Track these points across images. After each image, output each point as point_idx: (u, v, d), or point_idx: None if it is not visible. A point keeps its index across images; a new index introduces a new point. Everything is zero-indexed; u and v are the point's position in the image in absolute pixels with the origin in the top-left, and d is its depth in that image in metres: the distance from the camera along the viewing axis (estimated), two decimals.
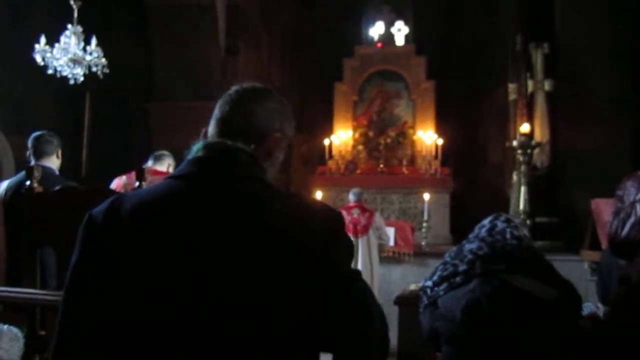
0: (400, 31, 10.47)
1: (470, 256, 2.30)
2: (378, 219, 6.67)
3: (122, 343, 1.17)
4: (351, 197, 6.76)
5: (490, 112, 9.48)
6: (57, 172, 3.86)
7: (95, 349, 1.18)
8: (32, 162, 3.71)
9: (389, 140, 9.86)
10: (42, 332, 2.43)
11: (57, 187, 2.77)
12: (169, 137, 7.20)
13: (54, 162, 3.86)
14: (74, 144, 7.89)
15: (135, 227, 1.20)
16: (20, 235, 2.70)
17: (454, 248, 2.46)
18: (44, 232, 2.59)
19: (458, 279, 2.29)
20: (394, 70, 10.00)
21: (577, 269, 5.56)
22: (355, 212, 6.52)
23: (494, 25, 9.35)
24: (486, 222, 2.43)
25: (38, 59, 6.50)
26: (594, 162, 6.85)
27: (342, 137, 9.81)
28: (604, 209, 4.49)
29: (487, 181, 9.50)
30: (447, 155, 9.49)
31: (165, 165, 4.75)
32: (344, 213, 6.08)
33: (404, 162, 9.60)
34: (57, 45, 6.59)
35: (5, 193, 3.68)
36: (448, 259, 2.39)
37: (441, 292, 2.32)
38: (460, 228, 6.64)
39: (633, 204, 2.41)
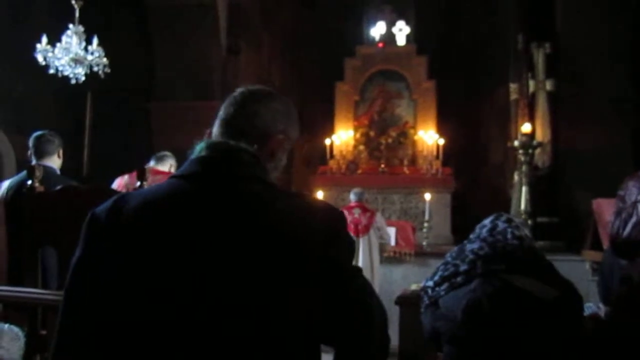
0: (402, 31, 10.48)
1: (471, 256, 2.31)
2: (379, 219, 6.67)
3: (122, 343, 1.16)
4: (352, 197, 6.76)
5: (491, 112, 9.48)
6: (58, 172, 3.86)
7: (95, 349, 1.18)
8: (34, 162, 3.71)
9: (390, 140, 9.86)
10: (43, 332, 2.43)
11: (59, 187, 2.77)
12: (169, 137, 7.21)
13: (55, 162, 3.85)
14: (74, 144, 7.89)
15: (138, 226, 1.20)
16: (21, 234, 2.70)
17: (455, 248, 2.46)
18: (45, 231, 2.59)
19: (459, 279, 2.29)
20: (395, 70, 10.00)
21: (577, 269, 5.56)
22: (357, 212, 6.52)
23: (494, 25, 9.35)
24: (487, 222, 2.43)
25: (39, 58, 6.51)
26: (594, 162, 6.85)
27: (343, 137, 9.81)
28: (605, 209, 4.49)
29: (489, 181, 9.51)
30: (448, 155, 9.48)
31: (167, 166, 4.75)
32: (345, 213, 6.07)
33: (405, 162, 9.61)
34: (58, 45, 6.61)
35: (7, 193, 3.68)
36: (449, 259, 2.39)
37: (442, 292, 2.32)
38: (461, 228, 6.64)
39: (635, 204, 2.41)
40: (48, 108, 7.80)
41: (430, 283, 2.39)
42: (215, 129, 1.38)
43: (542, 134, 7.31)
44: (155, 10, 8.19)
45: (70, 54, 6.60)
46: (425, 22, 10.53)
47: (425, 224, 7.65)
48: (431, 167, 9.24)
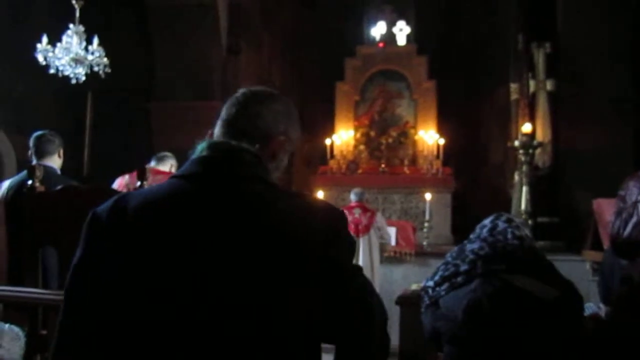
0: (402, 31, 10.48)
1: (471, 256, 2.31)
2: (379, 218, 6.67)
3: (123, 343, 1.16)
4: (352, 197, 6.76)
5: (491, 112, 9.48)
6: (58, 172, 3.86)
7: (96, 349, 1.18)
8: (34, 162, 3.71)
9: (390, 140, 9.87)
10: (44, 332, 2.43)
11: (59, 187, 2.77)
12: (169, 137, 7.21)
13: (55, 162, 3.85)
14: (75, 144, 7.90)
15: (139, 226, 1.20)
16: (22, 234, 2.69)
17: (456, 248, 2.46)
18: (45, 231, 2.59)
19: (459, 279, 2.29)
20: (396, 70, 10.00)
21: (578, 269, 5.56)
22: (357, 212, 6.52)
23: (494, 25, 9.35)
24: (487, 222, 2.43)
25: (40, 58, 6.51)
26: (594, 162, 6.84)
27: (343, 137, 9.82)
28: (605, 209, 4.48)
29: (489, 181, 9.51)
30: (448, 155, 9.48)
31: (168, 166, 4.76)
32: (345, 213, 6.07)
33: (406, 162, 9.61)
34: (59, 44, 6.61)
35: (7, 192, 3.68)
36: (449, 259, 2.39)
37: (443, 292, 2.32)
38: (461, 228, 6.64)
39: (635, 204, 2.41)
40: (48, 108, 7.80)
41: (431, 283, 2.39)
42: (217, 130, 1.38)
43: (542, 134, 7.31)
44: (155, 10, 8.18)
45: (70, 54, 6.60)
46: (425, 22, 10.53)
47: (426, 224, 7.65)
48: (431, 167, 9.24)
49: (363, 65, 10.15)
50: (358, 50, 10.25)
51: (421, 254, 7.00)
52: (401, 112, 10.02)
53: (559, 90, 7.41)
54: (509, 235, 2.32)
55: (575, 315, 2.28)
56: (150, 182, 2.76)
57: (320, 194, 7.78)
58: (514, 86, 7.66)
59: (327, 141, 9.65)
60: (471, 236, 2.43)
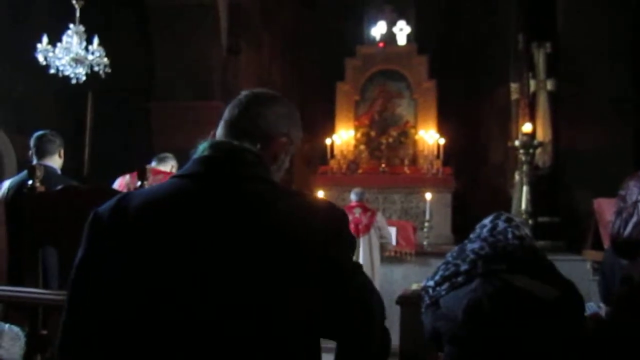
0: (402, 31, 10.48)
1: (472, 256, 2.30)
2: (380, 218, 6.67)
3: (125, 342, 1.17)
4: (353, 196, 6.75)
5: (492, 112, 9.48)
6: (59, 172, 3.86)
7: (99, 348, 1.18)
8: (35, 162, 3.71)
9: (390, 140, 9.87)
10: (44, 332, 2.42)
11: (59, 187, 2.77)
12: (169, 137, 7.21)
13: (56, 162, 3.86)
14: (75, 144, 7.89)
15: (141, 225, 1.21)
16: (22, 234, 2.69)
17: (456, 248, 2.46)
18: (46, 231, 2.58)
19: (460, 278, 2.29)
20: (396, 69, 10.00)
21: (578, 269, 5.56)
22: (357, 212, 6.52)
23: (494, 25, 9.35)
24: (487, 221, 2.43)
25: (40, 58, 6.51)
26: (594, 162, 6.84)
27: (343, 136, 9.82)
28: (606, 208, 4.48)
29: (489, 181, 9.51)
30: (448, 154, 9.48)
31: (169, 167, 4.76)
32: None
33: (406, 162, 9.61)
34: (59, 44, 6.61)
35: (7, 192, 3.68)
36: (450, 258, 2.39)
37: (443, 292, 2.32)
38: (462, 228, 6.64)
39: (635, 204, 2.41)
40: (48, 108, 7.80)
41: (431, 283, 2.39)
42: (219, 131, 1.39)
43: (542, 134, 7.31)
44: (155, 10, 8.18)
45: (70, 54, 6.60)
46: (425, 22, 10.53)
47: (426, 224, 7.64)
48: (432, 166, 9.24)
49: (363, 65, 10.15)
50: (358, 50, 10.25)
51: (421, 254, 7.00)
52: (401, 112, 10.02)
53: (559, 90, 7.41)
54: (509, 235, 2.32)
55: (575, 315, 2.28)
56: (151, 182, 2.76)
57: (320, 194, 7.77)
58: (514, 86, 7.66)
59: (328, 141, 9.65)
60: (471, 236, 2.43)
